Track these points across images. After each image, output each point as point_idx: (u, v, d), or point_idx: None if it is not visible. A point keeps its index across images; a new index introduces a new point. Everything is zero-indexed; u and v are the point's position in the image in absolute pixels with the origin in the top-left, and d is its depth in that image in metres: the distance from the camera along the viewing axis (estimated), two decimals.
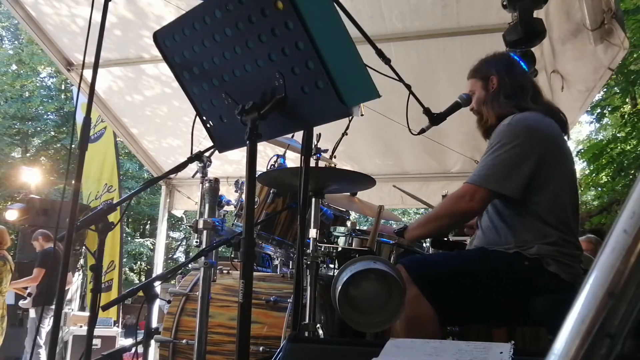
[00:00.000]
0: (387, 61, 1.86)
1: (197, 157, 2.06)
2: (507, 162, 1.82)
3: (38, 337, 5.47)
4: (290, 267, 2.68)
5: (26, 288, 5.81)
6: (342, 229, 2.36)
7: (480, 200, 1.84)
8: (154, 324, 1.87)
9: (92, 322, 1.75)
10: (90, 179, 8.12)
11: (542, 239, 1.81)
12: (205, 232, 2.05)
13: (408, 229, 2.00)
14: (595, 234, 5.18)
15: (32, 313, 5.64)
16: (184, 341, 2.35)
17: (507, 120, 1.89)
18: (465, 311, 1.86)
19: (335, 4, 1.42)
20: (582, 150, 10.37)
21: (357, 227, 2.34)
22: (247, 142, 1.28)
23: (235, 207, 2.57)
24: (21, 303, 5.77)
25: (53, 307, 5.41)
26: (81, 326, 6.55)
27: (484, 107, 2.04)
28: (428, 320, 1.74)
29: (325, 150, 2.57)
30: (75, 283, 7.39)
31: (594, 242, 4.72)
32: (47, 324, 5.56)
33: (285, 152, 2.68)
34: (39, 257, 5.77)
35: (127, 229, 19.14)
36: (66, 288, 5.30)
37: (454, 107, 2.08)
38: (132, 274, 19.90)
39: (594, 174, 10.05)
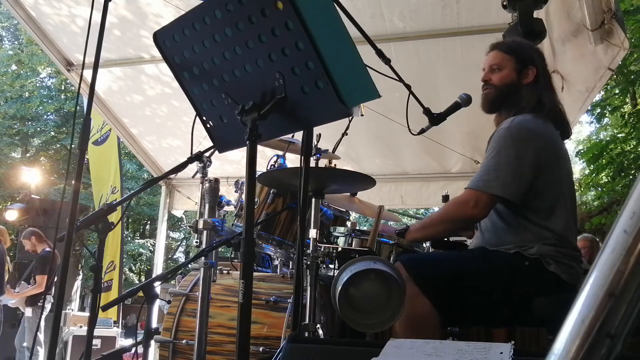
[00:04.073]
0: (387, 61, 1.85)
1: (197, 157, 2.06)
2: (508, 166, 1.81)
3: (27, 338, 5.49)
4: (290, 267, 2.67)
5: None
6: (342, 229, 2.36)
7: (485, 206, 1.83)
8: (154, 324, 1.86)
9: (92, 322, 1.75)
10: (101, 182, 8.15)
11: (542, 240, 1.81)
12: (205, 232, 2.05)
13: (410, 230, 2.00)
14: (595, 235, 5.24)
15: (29, 312, 5.63)
16: (183, 341, 2.35)
17: (506, 124, 1.87)
18: (465, 311, 1.86)
19: (335, 4, 1.42)
20: (582, 151, 10.37)
21: (357, 228, 2.34)
22: (247, 142, 1.28)
23: (235, 207, 2.56)
24: (10, 303, 5.76)
25: (46, 306, 5.44)
26: (81, 326, 6.55)
27: (507, 87, 1.96)
28: (428, 317, 1.73)
29: (326, 151, 2.56)
30: (75, 284, 7.39)
31: (590, 240, 4.82)
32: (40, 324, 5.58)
33: (285, 152, 2.68)
34: (39, 264, 5.70)
35: (126, 230, 19.14)
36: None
37: (454, 107, 2.07)
38: (131, 274, 19.90)
39: (594, 174, 10.05)
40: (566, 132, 2.00)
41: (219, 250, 2.10)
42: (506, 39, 2.06)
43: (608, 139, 10.63)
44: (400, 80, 1.90)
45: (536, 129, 1.87)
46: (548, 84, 2.00)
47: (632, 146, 9.58)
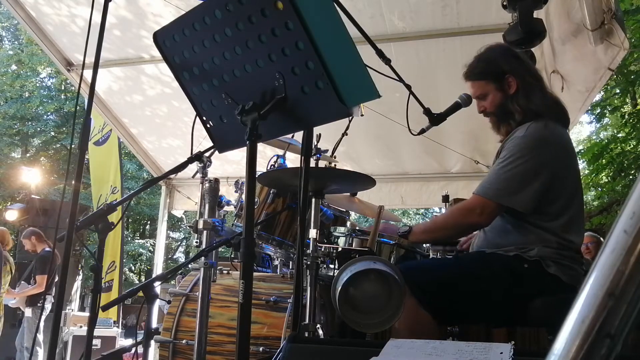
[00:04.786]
0: (387, 61, 1.85)
1: (197, 157, 2.06)
2: (520, 177, 1.79)
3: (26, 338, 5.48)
4: (290, 267, 2.68)
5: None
6: (342, 229, 2.36)
7: (490, 214, 1.82)
8: (154, 324, 1.86)
9: (92, 322, 1.75)
10: (100, 182, 8.17)
11: (544, 242, 1.80)
12: (205, 232, 2.05)
13: (413, 232, 1.99)
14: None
15: (28, 312, 5.63)
16: (183, 341, 2.35)
17: (521, 132, 1.85)
18: (465, 315, 1.85)
19: (335, 4, 1.42)
20: (582, 151, 10.36)
21: (357, 228, 2.34)
22: (247, 142, 1.28)
23: (235, 207, 2.56)
24: (11, 303, 5.76)
25: (46, 306, 5.43)
26: (81, 326, 6.55)
27: (500, 108, 1.95)
28: (425, 327, 1.72)
29: (326, 151, 2.56)
30: (75, 284, 7.39)
31: (597, 236, 4.92)
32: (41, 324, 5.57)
33: (285, 152, 2.68)
34: (39, 264, 5.68)
35: (126, 230, 19.14)
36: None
37: (454, 108, 2.07)
38: (131, 274, 19.90)
39: (594, 174, 10.04)
40: (568, 123, 1.98)
41: (219, 250, 2.10)
42: (471, 61, 2.01)
43: (608, 139, 10.63)
44: (400, 80, 1.89)
45: (551, 138, 1.85)
46: (533, 81, 1.96)
47: (632, 146, 9.57)
